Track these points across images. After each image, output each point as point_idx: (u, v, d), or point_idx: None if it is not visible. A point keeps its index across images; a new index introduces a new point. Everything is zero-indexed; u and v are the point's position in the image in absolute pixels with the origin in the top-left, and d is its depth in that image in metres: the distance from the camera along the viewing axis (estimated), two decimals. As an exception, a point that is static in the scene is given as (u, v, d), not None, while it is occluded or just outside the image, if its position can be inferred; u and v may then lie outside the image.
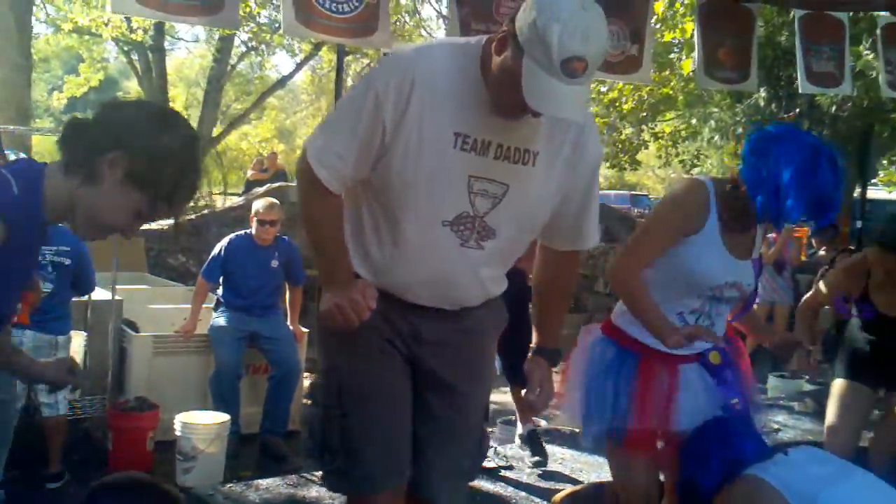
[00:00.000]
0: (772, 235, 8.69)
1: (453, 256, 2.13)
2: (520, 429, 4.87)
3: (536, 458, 4.65)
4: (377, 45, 4.22)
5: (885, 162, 17.33)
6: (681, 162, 17.32)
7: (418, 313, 2.21)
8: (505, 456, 4.72)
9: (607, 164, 18.95)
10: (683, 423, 2.67)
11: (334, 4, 4.10)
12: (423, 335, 2.23)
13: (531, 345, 2.41)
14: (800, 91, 6.38)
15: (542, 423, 5.38)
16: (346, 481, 2.27)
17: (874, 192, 23.03)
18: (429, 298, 2.20)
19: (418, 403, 2.28)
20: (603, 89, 15.21)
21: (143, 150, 1.72)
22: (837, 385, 3.74)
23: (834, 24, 6.04)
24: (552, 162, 2.14)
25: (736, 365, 2.81)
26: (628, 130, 16.85)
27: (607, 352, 2.75)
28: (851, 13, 7.20)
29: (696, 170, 16.64)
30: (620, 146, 16.47)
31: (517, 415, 4.90)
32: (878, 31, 6.41)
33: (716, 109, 12.77)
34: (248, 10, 14.76)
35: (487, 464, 4.58)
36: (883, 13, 7.18)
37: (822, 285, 3.89)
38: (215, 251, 5.42)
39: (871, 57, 7.68)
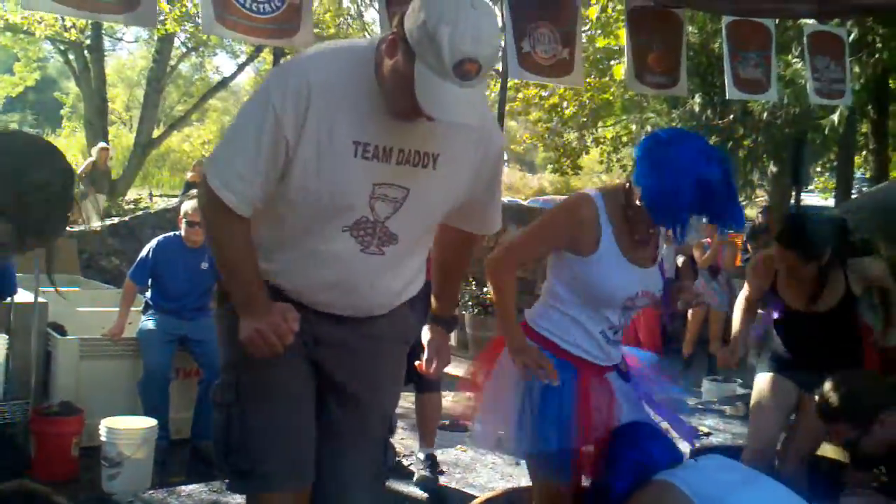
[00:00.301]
0: (706, 240, 8.85)
1: (354, 262, 2.11)
2: (419, 452, 4.61)
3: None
4: (299, 45, 4.17)
5: (818, 169, 17.77)
6: (622, 167, 17.55)
7: (317, 316, 2.18)
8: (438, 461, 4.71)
9: (550, 169, 19.13)
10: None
11: (255, 4, 4.06)
12: (322, 337, 2.21)
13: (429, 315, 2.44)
14: (727, 97, 6.49)
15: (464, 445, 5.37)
16: (245, 481, 2.22)
17: (810, 199, 23.67)
18: (330, 306, 2.18)
19: (320, 407, 2.26)
20: (545, 94, 15.36)
21: (9, 183, 1.70)
22: (761, 379, 3.80)
23: (761, 31, 6.17)
24: (454, 163, 2.12)
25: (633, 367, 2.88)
26: (571, 136, 17.01)
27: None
28: (778, 20, 7.37)
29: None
30: (562, 151, 16.61)
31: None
32: (805, 39, 6.55)
33: (652, 115, 12.96)
34: (183, 10, 14.57)
35: (419, 468, 4.56)
36: (809, 21, 7.36)
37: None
38: (143, 253, 5.33)
39: (799, 65, 7.85)
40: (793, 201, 11.78)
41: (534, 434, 2.66)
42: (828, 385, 2.98)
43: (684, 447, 4.32)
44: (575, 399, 2.65)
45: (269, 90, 1.99)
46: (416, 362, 2.37)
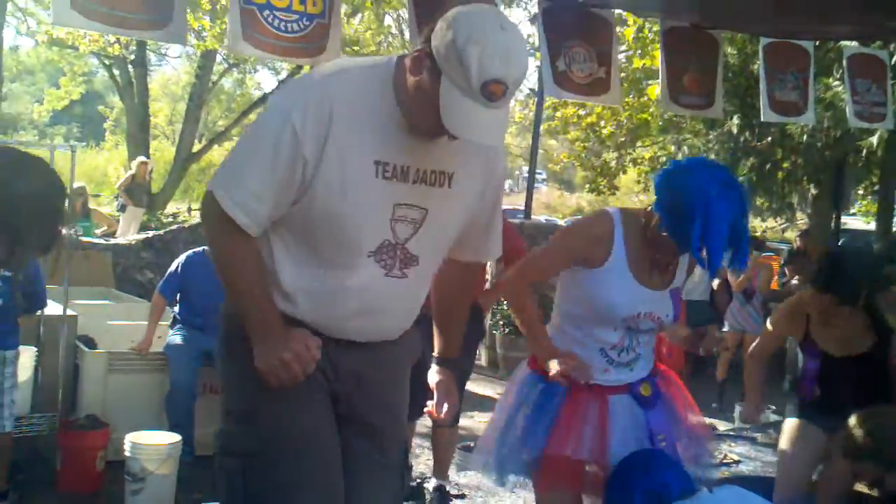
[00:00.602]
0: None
1: (379, 287, 2.06)
2: (431, 482, 4.55)
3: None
4: (325, 65, 4.19)
5: (860, 192, 17.47)
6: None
7: (336, 346, 2.11)
8: (457, 484, 4.65)
9: (587, 188, 19.04)
10: (613, 455, 2.64)
11: (283, 23, 4.07)
12: (341, 367, 2.13)
13: (434, 356, 2.38)
14: (762, 119, 6.40)
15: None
16: None
17: (852, 222, 23.27)
18: (353, 332, 2.11)
19: (342, 444, 2.17)
20: (582, 113, 15.30)
21: None
22: (789, 424, 3.72)
23: (799, 53, 6.08)
24: (465, 182, 2.10)
25: (668, 396, 2.79)
26: (609, 155, 16.93)
27: (535, 388, 2.72)
28: (817, 42, 7.26)
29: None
30: (599, 170, 16.53)
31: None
32: (845, 61, 6.45)
33: (689, 136, 12.84)
34: (223, 27, 14.76)
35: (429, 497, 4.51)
36: (851, 43, 7.24)
37: (768, 325, 3.86)
38: (172, 267, 5.36)
39: (840, 88, 7.72)
40: (833, 225, 11.60)
41: (518, 443, 2.68)
42: (852, 423, 2.89)
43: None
44: (560, 407, 2.65)
45: (288, 107, 1.94)
46: (427, 408, 2.31)
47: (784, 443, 3.71)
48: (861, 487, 3.44)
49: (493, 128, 1.86)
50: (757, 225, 27.32)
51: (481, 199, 2.18)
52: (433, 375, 2.32)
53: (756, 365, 3.79)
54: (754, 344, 3.86)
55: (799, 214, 16.24)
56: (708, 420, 7.08)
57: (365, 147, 1.95)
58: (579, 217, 2.95)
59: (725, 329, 8.30)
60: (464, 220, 2.16)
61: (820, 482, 3.60)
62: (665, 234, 2.50)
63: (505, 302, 8.98)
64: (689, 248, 2.47)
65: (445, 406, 2.27)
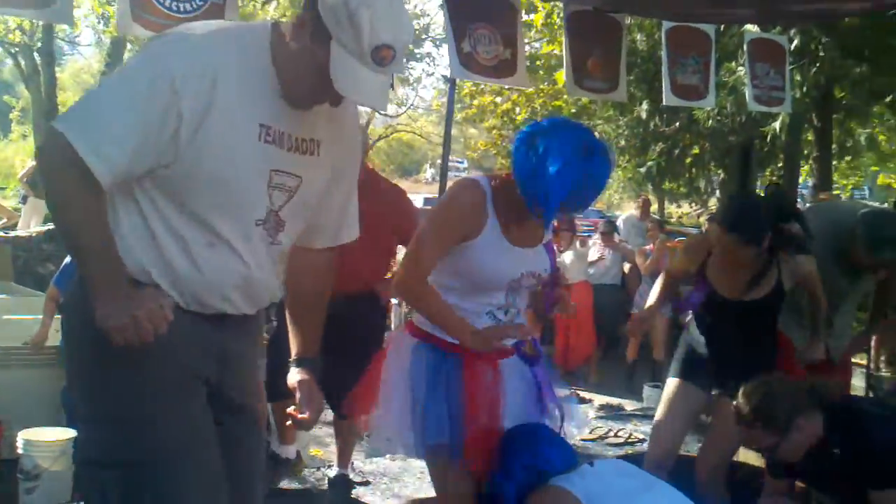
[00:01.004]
0: (649, 247, 8.86)
1: (263, 255, 2.03)
2: (333, 471, 4.42)
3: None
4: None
5: (769, 176, 17.96)
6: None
7: (221, 325, 2.04)
8: (362, 471, 4.61)
9: (505, 176, 19.12)
10: (509, 422, 2.63)
11: (175, 3, 3.92)
12: (228, 352, 2.07)
13: (292, 357, 2.27)
14: (664, 103, 6.48)
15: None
16: None
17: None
18: (230, 304, 2.04)
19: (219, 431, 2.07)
20: (498, 100, 15.37)
21: None
22: (669, 385, 3.74)
23: (701, 37, 6.15)
24: (330, 151, 2.08)
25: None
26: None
27: (428, 358, 2.67)
28: (721, 27, 7.40)
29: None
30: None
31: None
32: (746, 46, 6.56)
33: (600, 122, 13.00)
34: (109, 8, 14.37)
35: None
36: (752, 28, 7.40)
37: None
38: (68, 258, 5.17)
39: (742, 72, 7.87)
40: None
41: (423, 427, 2.60)
42: (744, 391, 2.93)
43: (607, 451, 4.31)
44: (459, 388, 2.60)
45: (171, 58, 1.84)
46: (291, 409, 2.21)
47: (661, 404, 3.72)
48: (747, 458, 3.51)
49: (382, 92, 1.88)
50: (673, 210, 27.91)
51: (341, 175, 2.16)
52: (294, 376, 2.23)
53: (658, 287, 3.82)
54: (664, 270, 3.93)
55: (713, 201, 16.62)
56: (617, 400, 7.23)
57: (249, 109, 1.91)
58: (447, 192, 2.86)
59: (634, 311, 8.43)
60: (324, 193, 2.13)
61: (703, 443, 3.63)
62: (520, 193, 2.49)
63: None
64: (541, 207, 2.47)
65: (309, 407, 2.21)
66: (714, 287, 3.55)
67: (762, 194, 3.52)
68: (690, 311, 3.79)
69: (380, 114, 35.85)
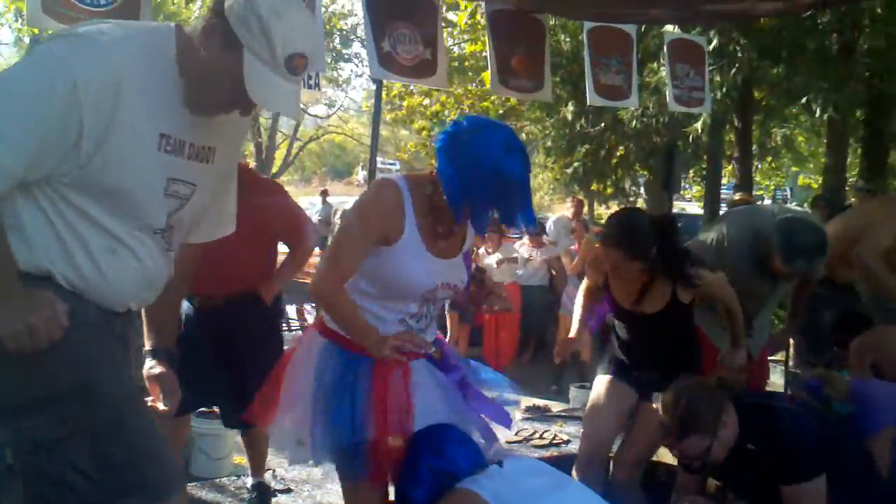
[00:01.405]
0: (574, 247, 8.91)
1: (161, 260, 2.04)
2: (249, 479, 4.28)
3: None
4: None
5: (694, 177, 18.29)
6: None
7: (122, 314, 2.05)
8: (283, 479, 4.50)
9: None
10: (420, 424, 2.56)
11: (89, -4, 3.75)
12: (128, 338, 2.10)
13: (148, 348, 2.24)
14: (588, 103, 6.51)
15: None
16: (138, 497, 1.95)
17: (690, 207, 24.30)
18: (133, 303, 2.06)
19: None
20: (427, 102, 15.32)
21: None
22: (598, 382, 3.73)
23: (622, 38, 6.18)
24: (223, 157, 2.07)
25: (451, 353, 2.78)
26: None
27: (337, 359, 2.58)
28: (643, 28, 7.46)
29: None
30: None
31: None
32: (666, 47, 6.62)
33: (527, 123, 13.06)
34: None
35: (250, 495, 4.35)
36: (672, 28, 7.49)
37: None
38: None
39: (664, 73, 7.97)
40: (667, 209, 12.05)
41: (326, 429, 2.52)
42: (664, 406, 2.90)
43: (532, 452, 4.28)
44: (368, 390, 2.53)
45: (71, 62, 1.76)
46: (149, 400, 2.18)
47: (591, 399, 3.70)
48: (664, 457, 3.50)
49: (294, 100, 1.93)
50: (602, 212, 28.23)
51: (228, 177, 2.18)
52: (150, 367, 2.21)
53: (579, 305, 3.84)
54: (581, 285, 3.93)
55: (640, 202, 16.84)
56: (543, 402, 7.23)
57: (151, 118, 1.87)
58: (365, 193, 2.79)
59: (561, 312, 8.48)
60: (211, 196, 2.14)
61: (623, 442, 3.60)
62: (446, 198, 2.41)
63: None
64: (471, 212, 2.42)
65: (170, 398, 2.20)
66: (617, 299, 3.57)
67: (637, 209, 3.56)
68: (608, 319, 3.80)
69: (309, 115, 35.66)
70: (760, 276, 3.97)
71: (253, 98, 1.84)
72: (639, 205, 16.40)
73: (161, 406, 2.16)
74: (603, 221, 12.20)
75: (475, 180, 2.32)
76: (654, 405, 3.37)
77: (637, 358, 3.61)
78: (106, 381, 1.93)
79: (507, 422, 2.82)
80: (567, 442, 5.20)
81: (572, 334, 3.89)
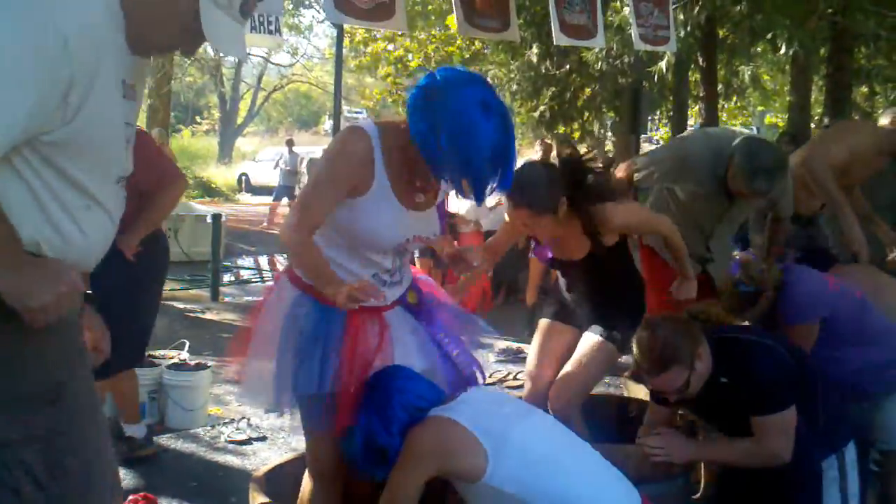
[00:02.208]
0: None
1: (120, 212, 1.97)
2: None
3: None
4: None
5: (662, 118, 18.33)
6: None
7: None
8: (258, 427, 4.54)
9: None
10: (406, 361, 2.57)
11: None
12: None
13: None
14: (555, 43, 6.47)
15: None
16: None
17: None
18: (94, 262, 1.95)
19: None
20: (391, 48, 15.18)
21: None
22: (541, 324, 3.70)
23: (585, -23, 6.15)
24: (140, 93, 2.01)
25: (430, 295, 2.75)
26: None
27: (310, 309, 2.53)
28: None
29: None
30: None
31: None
32: (629, -15, 6.60)
33: (491, 67, 12.97)
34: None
35: (237, 435, 4.39)
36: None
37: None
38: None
39: (627, 12, 7.94)
40: (635, 151, 12.09)
41: (295, 378, 2.50)
42: (638, 345, 2.86)
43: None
44: (340, 342, 2.50)
45: (56, 15, 1.66)
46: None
47: (534, 341, 3.66)
48: (636, 392, 3.54)
49: (244, 41, 1.92)
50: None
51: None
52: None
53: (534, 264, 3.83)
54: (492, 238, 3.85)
55: (608, 144, 16.85)
56: (517, 344, 7.31)
57: (116, 67, 1.82)
58: (334, 140, 2.71)
59: (532, 255, 8.51)
60: None
61: (556, 382, 3.54)
62: (424, 160, 2.32)
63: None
64: (447, 176, 2.33)
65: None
66: (547, 248, 3.53)
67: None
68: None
69: (272, 63, 35.11)
70: (716, 195, 3.96)
71: (211, 41, 1.81)
72: (606, 147, 16.43)
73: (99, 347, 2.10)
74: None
75: (447, 146, 2.21)
76: (592, 335, 3.37)
77: (577, 300, 3.58)
78: (75, 382, 1.88)
79: (475, 380, 2.81)
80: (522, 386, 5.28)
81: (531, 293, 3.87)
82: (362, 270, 2.53)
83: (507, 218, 3.51)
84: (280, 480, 2.81)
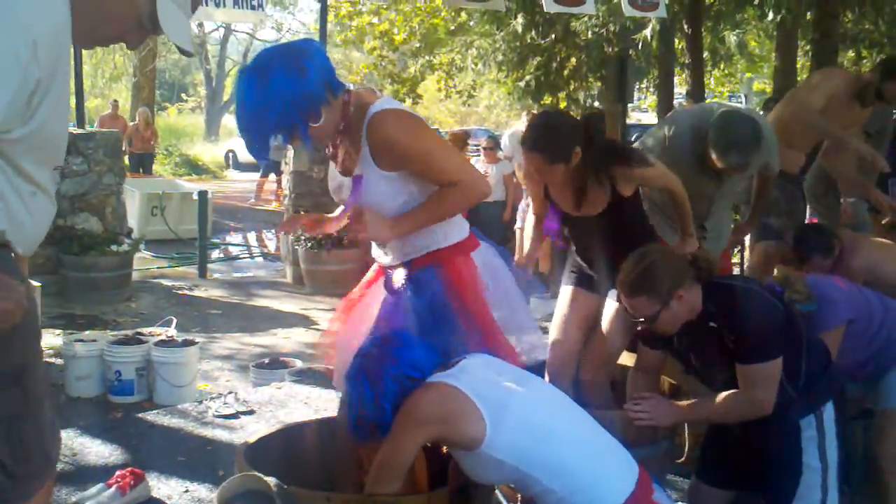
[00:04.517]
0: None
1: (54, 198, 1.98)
2: None
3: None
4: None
5: (648, 87, 18.27)
6: (458, 93, 17.50)
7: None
8: (246, 400, 4.54)
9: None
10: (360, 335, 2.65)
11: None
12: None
13: None
14: (545, 10, 6.41)
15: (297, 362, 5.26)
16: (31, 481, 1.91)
17: (646, 118, 24.26)
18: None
19: None
20: (375, 21, 15.05)
21: None
22: (561, 293, 3.74)
23: (569, -56, 6.10)
24: None
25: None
26: (412, 64, 16.81)
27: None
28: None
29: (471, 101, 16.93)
30: (396, 77, 16.38)
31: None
32: (614, -47, 6.54)
33: (476, 37, 12.89)
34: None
35: (225, 409, 4.39)
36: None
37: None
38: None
39: (614, -21, 7.90)
40: (622, 119, 12.07)
41: None
42: (628, 260, 2.90)
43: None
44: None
45: (21, 18, 1.65)
46: None
47: (556, 312, 3.71)
48: (627, 361, 3.54)
49: (190, 34, 2.03)
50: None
51: None
52: None
53: (530, 229, 3.85)
54: (529, 210, 3.93)
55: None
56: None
57: (68, 59, 1.86)
58: None
59: (518, 226, 8.50)
60: None
61: (584, 351, 3.62)
62: None
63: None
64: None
65: None
66: (560, 206, 3.56)
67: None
68: (554, 235, 3.80)
69: (257, 40, 34.85)
70: (704, 175, 3.97)
71: (168, 35, 1.87)
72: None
73: None
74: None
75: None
76: (614, 304, 3.39)
77: (592, 260, 3.61)
78: (36, 361, 1.92)
79: None
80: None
81: (527, 252, 3.91)
82: None
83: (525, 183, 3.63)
84: (265, 452, 2.81)
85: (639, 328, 3.05)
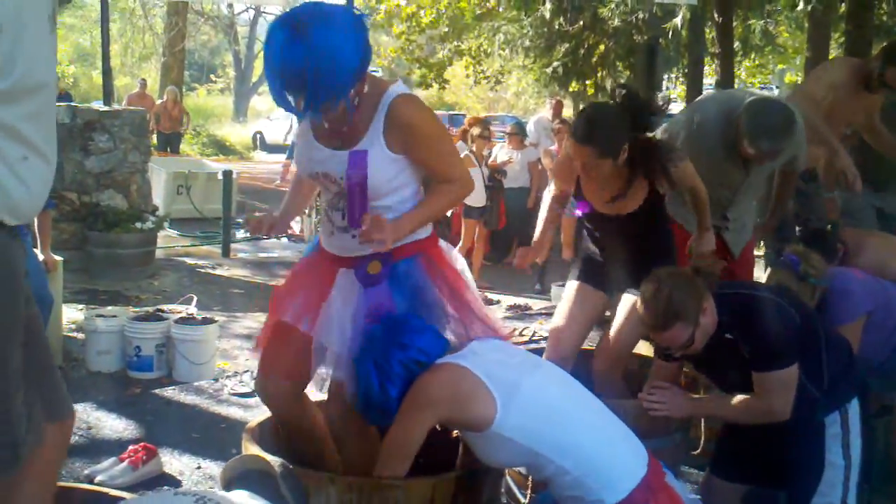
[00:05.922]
0: (553, 148, 8.85)
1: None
2: None
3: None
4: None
5: (677, 76, 18.06)
6: (485, 79, 17.42)
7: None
8: (243, 384, 4.57)
9: (417, 83, 18.87)
10: (327, 332, 2.57)
11: None
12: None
13: None
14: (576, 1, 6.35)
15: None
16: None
17: (674, 108, 24.00)
18: None
19: None
20: (403, 3, 14.99)
21: None
22: (567, 288, 3.72)
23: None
24: None
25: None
26: (439, 50, 16.75)
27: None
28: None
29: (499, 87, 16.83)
30: (423, 62, 16.33)
31: None
32: (644, -61, 6.46)
33: (503, 22, 12.80)
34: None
35: (241, 388, 4.41)
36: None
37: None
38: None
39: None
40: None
41: None
42: (644, 299, 2.84)
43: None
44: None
45: None
46: None
47: (559, 306, 3.68)
48: (647, 351, 3.51)
49: None
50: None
51: None
52: None
53: (545, 213, 3.83)
54: (546, 194, 3.90)
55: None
56: (525, 301, 7.30)
57: (44, 4, 1.81)
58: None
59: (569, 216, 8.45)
60: None
61: (599, 343, 3.62)
62: None
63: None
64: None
65: None
66: (590, 202, 3.52)
67: (617, 101, 3.38)
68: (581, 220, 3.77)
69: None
70: (731, 162, 3.90)
71: None
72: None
73: None
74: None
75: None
76: (631, 297, 3.36)
77: (614, 258, 3.55)
78: (33, 324, 1.92)
79: None
80: (546, 338, 5.26)
81: (529, 251, 3.89)
82: (324, 202, 2.70)
83: (553, 173, 3.56)
84: (274, 432, 2.82)
85: (675, 357, 3.01)
